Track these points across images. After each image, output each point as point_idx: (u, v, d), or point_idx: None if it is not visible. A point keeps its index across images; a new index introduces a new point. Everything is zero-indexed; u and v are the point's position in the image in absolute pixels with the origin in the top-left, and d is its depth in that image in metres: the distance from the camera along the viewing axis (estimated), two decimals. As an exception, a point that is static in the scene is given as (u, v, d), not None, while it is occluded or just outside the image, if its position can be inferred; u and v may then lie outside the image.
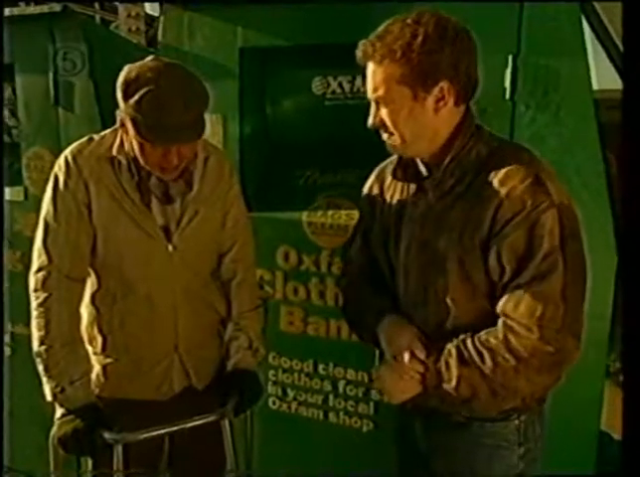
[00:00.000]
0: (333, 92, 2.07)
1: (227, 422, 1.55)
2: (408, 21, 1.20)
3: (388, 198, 1.43)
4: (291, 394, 2.15)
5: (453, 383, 1.25)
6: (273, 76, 2.15)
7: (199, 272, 1.65)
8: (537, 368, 1.20)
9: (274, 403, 2.17)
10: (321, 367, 2.09)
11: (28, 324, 1.55)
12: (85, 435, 1.45)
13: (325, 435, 2.12)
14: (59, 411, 1.50)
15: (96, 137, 1.57)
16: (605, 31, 2.50)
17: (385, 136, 1.30)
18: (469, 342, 1.24)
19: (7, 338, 2.45)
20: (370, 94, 1.27)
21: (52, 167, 1.56)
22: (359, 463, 2.03)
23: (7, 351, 2.46)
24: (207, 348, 1.69)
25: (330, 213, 2.00)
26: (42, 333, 1.49)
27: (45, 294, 1.50)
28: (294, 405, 2.15)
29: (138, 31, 5.50)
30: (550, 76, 1.68)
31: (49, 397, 1.50)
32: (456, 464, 1.38)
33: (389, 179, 1.44)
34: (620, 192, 1.46)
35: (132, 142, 1.46)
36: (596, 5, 2.38)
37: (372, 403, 2.05)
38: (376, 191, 1.48)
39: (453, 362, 1.24)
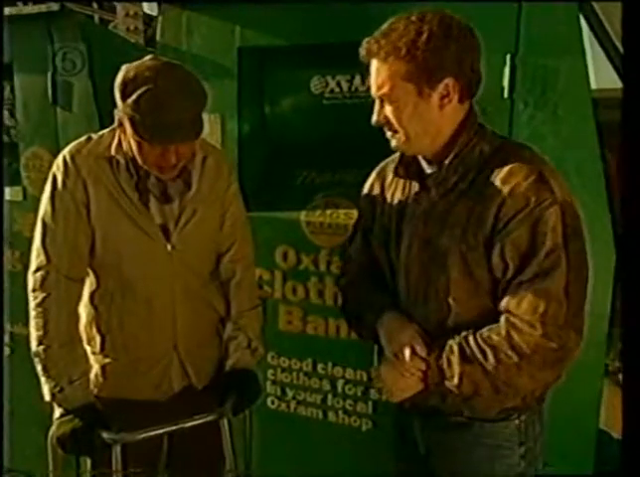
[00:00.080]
0: (331, 92, 2.07)
1: (225, 422, 1.55)
2: (413, 19, 1.21)
3: (389, 196, 1.43)
4: (290, 393, 2.15)
5: (455, 380, 1.25)
6: (271, 75, 2.15)
7: (198, 272, 1.64)
8: (539, 364, 1.21)
9: (273, 403, 2.17)
10: (320, 366, 2.09)
11: (27, 324, 1.55)
12: (84, 435, 1.45)
13: (324, 434, 2.12)
14: (57, 411, 1.49)
15: (95, 137, 1.57)
16: (604, 31, 2.51)
17: (389, 134, 1.30)
18: (471, 339, 1.24)
19: (6, 338, 2.45)
20: (374, 92, 1.27)
21: (50, 167, 1.56)
22: (358, 462, 2.03)
23: (6, 351, 2.46)
24: (206, 347, 1.68)
25: (328, 212, 2.00)
26: (40, 333, 1.49)
27: (43, 294, 1.50)
28: (293, 405, 2.15)
29: (136, 30, 5.51)
30: (548, 74, 1.68)
31: (47, 397, 1.50)
32: (456, 464, 1.38)
33: (390, 177, 1.44)
34: (619, 191, 1.47)
35: (130, 142, 1.45)
36: (595, 5, 2.38)
37: (370, 403, 2.05)
38: (376, 189, 1.48)
39: (455, 359, 1.24)
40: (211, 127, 2.00)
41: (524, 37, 1.69)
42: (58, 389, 1.48)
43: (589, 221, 1.29)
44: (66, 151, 1.54)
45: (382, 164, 1.50)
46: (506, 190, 1.20)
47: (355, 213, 1.60)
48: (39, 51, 2.27)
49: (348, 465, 2.05)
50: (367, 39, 1.25)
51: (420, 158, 1.35)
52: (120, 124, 1.45)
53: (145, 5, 5.45)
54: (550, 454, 1.46)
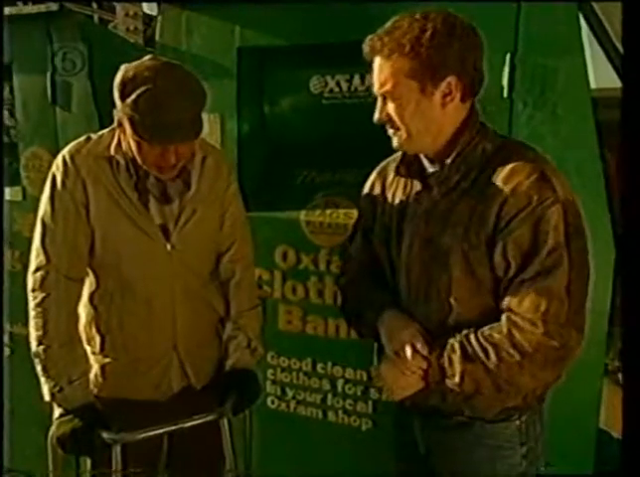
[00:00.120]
0: (331, 91, 2.07)
1: (225, 422, 1.55)
2: (417, 16, 1.21)
3: (390, 195, 1.43)
4: (290, 393, 2.15)
5: (457, 378, 1.25)
6: (271, 75, 2.15)
7: (197, 272, 1.64)
8: (541, 363, 1.21)
9: (273, 403, 2.17)
10: (320, 365, 2.09)
11: (27, 324, 1.55)
12: (84, 435, 1.45)
13: (324, 434, 2.12)
14: (57, 411, 1.49)
15: (94, 137, 1.57)
16: (604, 31, 2.51)
17: (390, 132, 1.30)
18: (473, 337, 1.24)
19: (6, 338, 2.45)
20: (377, 89, 1.28)
21: (50, 167, 1.56)
22: (358, 462, 2.03)
23: (6, 351, 2.46)
24: (205, 347, 1.68)
25: (328, 212, 2.00)
26: (40, 333, 1.49)
27: (43, 294, 1.49)
28: (293, 404, 2.15)
29: (136, 30, 5.51)
30: (547, 74, 1.68)
31: (47, 397, 1.50)
32: (457, 464, 1.38)
33: (391, 176, 1.44)
34: (618, 190, 1.47)
35: (130, 142, 1.45)
36: (595, 5, 2.38)
37: (370, 402, 2.05)
38: (377, 188, 1.48)
39: (457, 357, 1.24)
40: (210, 127, 2.00)
41: (523, 36, 1.69)
42: (57, 388, 1.48)
43: (589, 220, 1.29)
44: (65, 151, 1.54)
45: (382, 163, 1.50)
46: (508, 189, 1.20)
47: (355, 212, 1.60)
48: (38, 51, 2.27)
49: (348, 465, 2.05)
50: (370, 36, 1.25)
51: (422, 157, 1.35)
52: (120, 124, 1.45)
53: (145, 5, 5.45)
54: (549, 454, 1.46)
